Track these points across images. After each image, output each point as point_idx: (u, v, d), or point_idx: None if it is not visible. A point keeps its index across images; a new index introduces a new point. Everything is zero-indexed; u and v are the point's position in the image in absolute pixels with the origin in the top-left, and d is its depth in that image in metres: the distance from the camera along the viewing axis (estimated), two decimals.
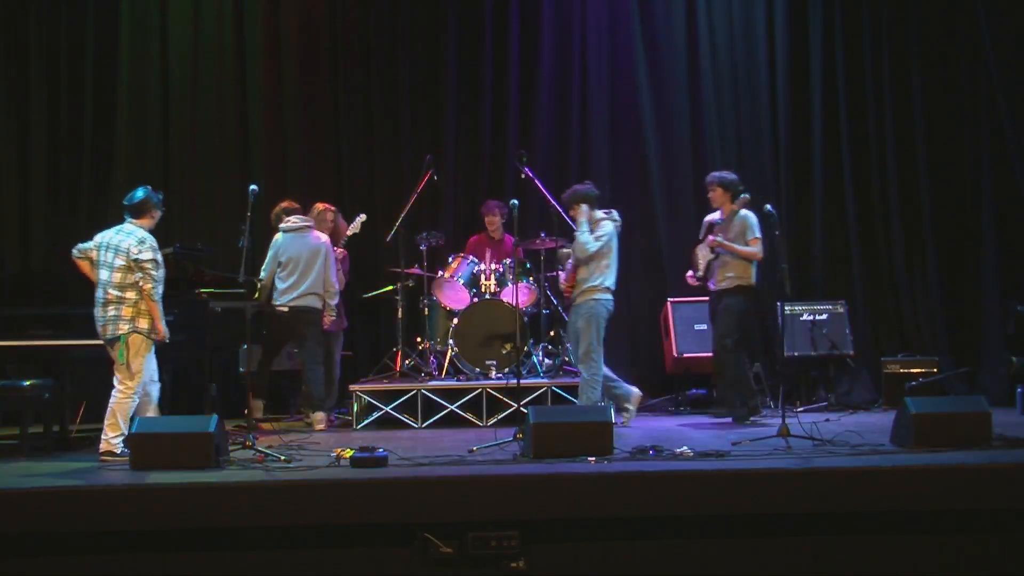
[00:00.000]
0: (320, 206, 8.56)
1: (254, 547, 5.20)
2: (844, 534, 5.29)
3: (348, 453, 5.99)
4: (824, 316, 9.09)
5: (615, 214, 7.99)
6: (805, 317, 9.07)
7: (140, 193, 6.77)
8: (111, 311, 6.55)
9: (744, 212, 7.88)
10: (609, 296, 7.79)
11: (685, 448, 6.17)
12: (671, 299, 9.21)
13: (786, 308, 8.66)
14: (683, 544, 5.26)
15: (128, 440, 6.14)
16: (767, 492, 5.31)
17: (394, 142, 9.81)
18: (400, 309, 8.91)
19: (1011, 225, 9.48)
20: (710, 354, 8.90)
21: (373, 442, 6.45)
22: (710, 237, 8.01)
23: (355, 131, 9.84)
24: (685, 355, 9.00)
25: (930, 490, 5.32)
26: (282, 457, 6.18)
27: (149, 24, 9.78)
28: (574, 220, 7.86)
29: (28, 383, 6.93)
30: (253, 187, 7.01)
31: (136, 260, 6.50)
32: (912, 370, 9.00)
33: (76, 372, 7.41)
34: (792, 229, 9.38)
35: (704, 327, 8.97)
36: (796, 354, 8.94)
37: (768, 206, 6.95)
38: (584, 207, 7.81)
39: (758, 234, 7.86)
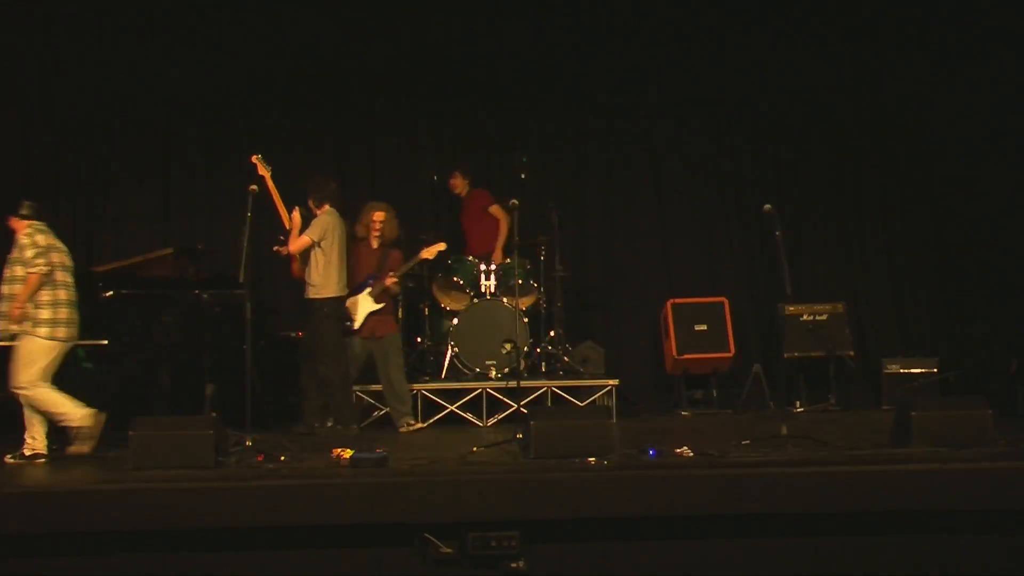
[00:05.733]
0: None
1: (254, 547, 5.20)
2: (844, 534, 5.29)
3: (348, 453, 5.99)
4: (824, 316, 9.09)
5: None
6: (805, 317, 9.07)
7: None
8: None
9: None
10: None
11: (685, 448, 6.17)
12: (671, 300, 9.21)
13: (786, 308, 8.69)
14: (683, 544, 5.27)
15: (129, 440, 6.11)
16: (767, 492, 5.31)
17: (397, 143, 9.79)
18: (400, 309, 8.89)
19: (1011, 225, 9.47)
20: (710, 354, 8.90)
21: (373, 442, 6.45)
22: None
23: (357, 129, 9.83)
24: (685, 355, 8.99)
25: (930, 490, 5.32)
26: (282, 457, 6.18)
27: None
28: None
29: None
30: (252, 187, 6.99)
31: None
32: (912, 370, 9.00)
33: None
34: (792, 229, 9.37)
35: (704, 327, 8.97)
36: (796, 354, 8.94)
37: (768, 205, 6.95)
38: None
39: (306, 234, 7.62)
